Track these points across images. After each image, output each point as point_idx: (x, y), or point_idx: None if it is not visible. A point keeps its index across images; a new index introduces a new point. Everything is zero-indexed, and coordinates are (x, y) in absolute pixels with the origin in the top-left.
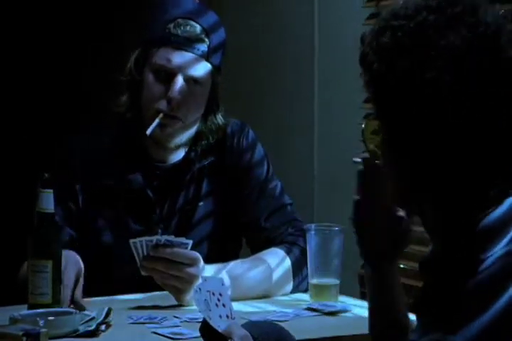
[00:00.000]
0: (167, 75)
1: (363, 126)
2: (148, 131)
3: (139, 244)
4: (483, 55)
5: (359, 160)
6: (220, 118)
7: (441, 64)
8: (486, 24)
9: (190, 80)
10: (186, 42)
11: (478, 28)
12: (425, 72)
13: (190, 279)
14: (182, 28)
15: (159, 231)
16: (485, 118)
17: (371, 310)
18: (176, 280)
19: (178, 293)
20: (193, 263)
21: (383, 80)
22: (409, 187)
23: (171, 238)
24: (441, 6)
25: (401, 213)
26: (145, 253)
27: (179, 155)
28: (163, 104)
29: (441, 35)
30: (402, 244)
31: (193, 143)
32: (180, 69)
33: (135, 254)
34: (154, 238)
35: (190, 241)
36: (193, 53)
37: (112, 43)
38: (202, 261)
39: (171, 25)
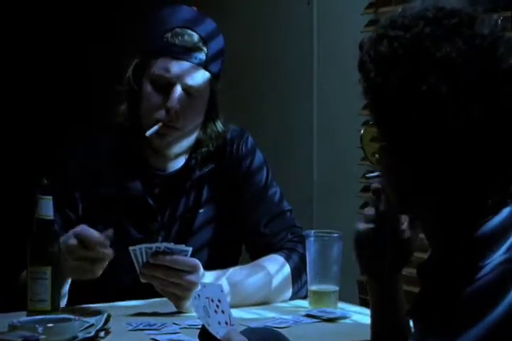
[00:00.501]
0: (166, 85)
1: (362, 132)
2: (148, 133)
3: (139, 252)
4: (480, 66)
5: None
6: (219, 126)
7: (436, 75)
8: (482, 36)
9: (188, 89)
10: (184, 52)
11: (475, 40)
12: (421, 84)
13: (190, 286)
14: (180, 37)
15: (159, 239)
16: (480, 127)
17: (373, 318)
18: (175, 288)
19: (178, 300)
20: (193, 270)
21: (380, 89)
22: (408, 192)
23: (171, 245)
24: (438, 17)
25: (406, 232)
26: (144, 261)
27: (179, 163)
28: (162, 114)
29: (438, 47)
30: (404, 262)
31: (192, 150)
32: (179, 78)
33: (134, 262)
34: (154, 245)
35: (190, 249)
36: (191, 62)
37: (114, 51)
38: (202, 268)
39: (169, 35)
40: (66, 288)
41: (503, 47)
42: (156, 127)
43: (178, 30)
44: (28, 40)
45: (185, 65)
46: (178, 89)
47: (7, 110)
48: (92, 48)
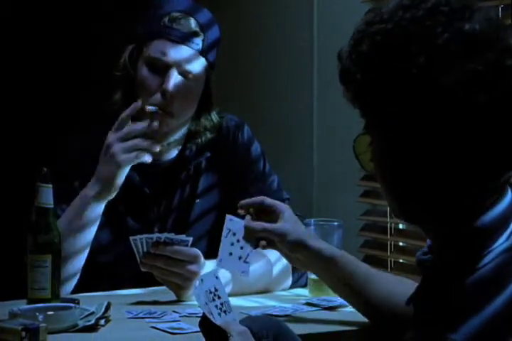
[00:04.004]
0: (162, 68)
1: (354, 143)
2: (148, 107)
3: (139, 241)
4: (463, 40)
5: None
6: (214, 117)
7: (427, 56)
8: (461, 10)
9: (185, 74)
10: (181, 35)
11: (455, 14)
12: (412, 67)
13: (191, 276)
14: (177, 21)
15: (155, 229)
16: (477, 108)
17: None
18: (176, 277)
19: (179, 289)
20: (194, 260)
21: (374, 86)
22: (408, 185)
23: (172, 235)
24: (415, 2)
25: None
26: (145, 251)
27: (173, 153)
28: (157, 98)
29: (423, 27)
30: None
31: (186, 141)
32: (175, 62)
33: (135, 251)
34: (154, 235)
35: (191, 239)
36: (189, 47)
37: (111, 41)
38: (202, 258)
39: (166, 19)
40: (80, 264)
41: (481, 18)
42: (153, 107)
43: (175, 14)
44: (24, 29)
45: (182, 48)
46: (174, 73)
47: (6, 99)
48: (88, 37)
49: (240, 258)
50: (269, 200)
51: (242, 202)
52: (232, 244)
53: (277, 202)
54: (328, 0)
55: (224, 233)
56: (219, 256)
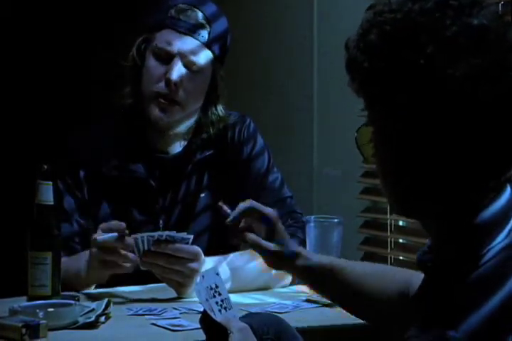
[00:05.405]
0: (167, 58)
1: (356, 135)
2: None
3: (140, 240)
4: (473, 35)
5: None
6: (220, 110)
7: (435, 46)
8: (470, 6)
9: (189, 65)
10: (188, 27)
11: (463, 9)
12: (420, 57)
13: (192, 274)
14: (184, 13)
15: (161, 222)
16: (482, 104)
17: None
18: (177, 275)
19: (179, 287)
20: (195, 258)
21: (381, 75)
22: (409, 181)
23: (173, 233)
24: None
25: None
26: (146, 249)
27: (179, 147)
28: (161, 86)
29: (432, 19)
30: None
31: (193, 134)
32: (180, 52)
33: (136, 250)
34: (156, 234)
35: (191, 236)
36: (194, 38)
37: (115, 34)
38: (203, 256)
39: (173, 10)
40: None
41: (489, 15)
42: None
43: (182, 6)
44: (26, 28)
45: (188, 39)
46: (178, 62)
47: (7, 95)
48: (95, 37)
49: (226, 308)
50: (256, 206)
51: (232, 219)
52: (215, 296)
53: (265, 209)
54: (328, 0)
55: (208, 290)
56: (212, 314)
